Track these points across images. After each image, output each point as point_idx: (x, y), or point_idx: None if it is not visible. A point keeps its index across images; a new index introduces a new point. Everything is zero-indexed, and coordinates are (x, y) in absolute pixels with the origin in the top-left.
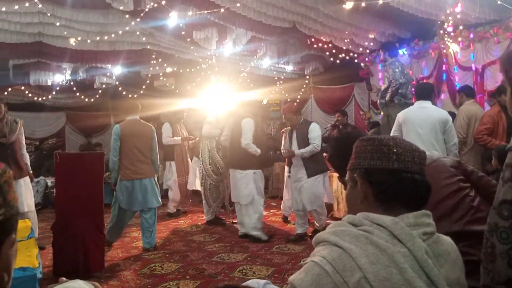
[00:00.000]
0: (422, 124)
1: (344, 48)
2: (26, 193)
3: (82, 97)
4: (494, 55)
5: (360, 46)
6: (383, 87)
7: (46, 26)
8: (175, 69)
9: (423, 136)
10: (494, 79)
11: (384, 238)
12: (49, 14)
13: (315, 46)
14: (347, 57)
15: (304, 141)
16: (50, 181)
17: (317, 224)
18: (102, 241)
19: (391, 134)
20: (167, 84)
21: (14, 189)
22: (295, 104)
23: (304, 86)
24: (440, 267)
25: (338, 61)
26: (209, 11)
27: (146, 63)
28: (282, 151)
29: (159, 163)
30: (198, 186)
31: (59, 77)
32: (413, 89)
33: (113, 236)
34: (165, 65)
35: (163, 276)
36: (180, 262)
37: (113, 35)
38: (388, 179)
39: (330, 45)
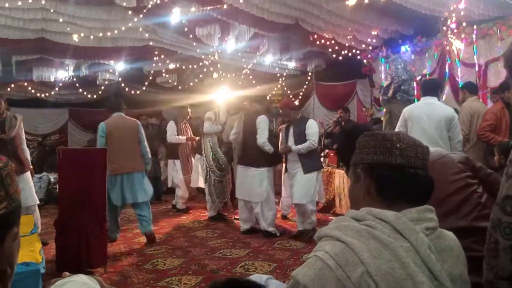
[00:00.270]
0: (427, 120)
1: (347, 44)
2: (28, 188)
3: (85, 93)
4: (497, 52)
5: (362, 42)
6: (385, 84)
7: (49, 22)
8: (177, 65)
9: (428, 132)
10: (497, 76)
11: (386, 233)
12: (52, 10)
13: (317, 42)
14: (350, 54)
15: (301, 137)
16: (53, 177)
17: (300, 228)
18: (105, 236)
19: (396, 130)
20: (170, 81)
21: (17, 182)
22: (293, 99)
23: (307, 82)
24: (443, 262)
25: (340, 58)
26: (212, 7)
27: (148, 59)
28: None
29: (149, 155)
30: (201, 183)
31: (62, 74)
32: (415, 86)
33: (112, 232)
34: (168, 61)
35: (166, 271)
36: (182, 257)
37: (116, 32)
38: (391, 174)
39: (333, 41)
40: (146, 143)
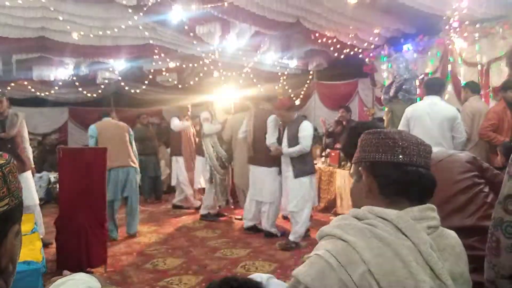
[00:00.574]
0: (430, 120)
1: (348, 43)
2: (27, 188)
3: (85, 92)
4: (499, 51)
5: (364, 41)
6: (387, 83)
7: (49, 20)
8: (177, 64)
9: (431, 132)
10: (499, 75)
11: (388, 232)
12: (52, 9)
13: (319, 41)
14: (351, 53)
15: (294, 140)
16: (53, 176)
17: (290, 238)
18: (105, 235)
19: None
20: (170, 79)
21: (18, 179)
22: (294, 98)
23: (308, 81)
24: (444, 261)
25: (342, 57)
26: (212, 5)
27: (148, 58)
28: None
29: (137, 157)
30: (203, 184)
31: (62, 72)
32: (417, 85)
33: (111, 231)
34: (168, 60)
35: (166, 271)
36: (182, 257)
37: (115, 30)
38: (393, 172)
39: (334, 40)
40: (135, 147)
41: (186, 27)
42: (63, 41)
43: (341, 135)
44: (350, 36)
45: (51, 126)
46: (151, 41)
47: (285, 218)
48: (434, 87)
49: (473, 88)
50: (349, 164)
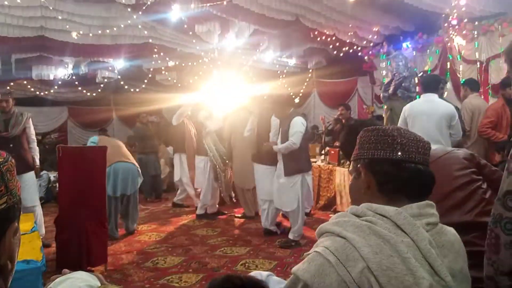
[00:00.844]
0: (427, 118)
1: (348, 41)
2: (27, 188)
3: (84, 91)
4: (498, 48)
5: (363, 39)
6: (386, 81)
7: (48, 20)
8: (177, 63)
9: (428, 130)
10: (498, 72)
11: (387, 228)
12: (51, 8)
13: (318, 39)
14: (351, 51)
15: (286, 136)
16: (53, 175)
17: (290, 236)
18: (105, 234)
19: None
20: (169, 78)
21: (16, 177)
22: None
23: (307, 79)
24: (443, 258)
25: (341, 55)
26: (211, 4)
27: (148, 57)
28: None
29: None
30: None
31: (61, 72)
32: (416, 82)
33: (112, 229)
34: (167, 59)
35: (166, 269)
36: (183, 255)
37: (115, 29)
38: (391, 169)
39: (334, 38)
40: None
41: (185, 26)
42: (63, 40)
43: (340, 133)
44: (349, 34)
45: (50, 125)
46: (150, 40)
47: (285, 216)
48: (430, 84)
49: (472, 85)
50: (348, 162)
